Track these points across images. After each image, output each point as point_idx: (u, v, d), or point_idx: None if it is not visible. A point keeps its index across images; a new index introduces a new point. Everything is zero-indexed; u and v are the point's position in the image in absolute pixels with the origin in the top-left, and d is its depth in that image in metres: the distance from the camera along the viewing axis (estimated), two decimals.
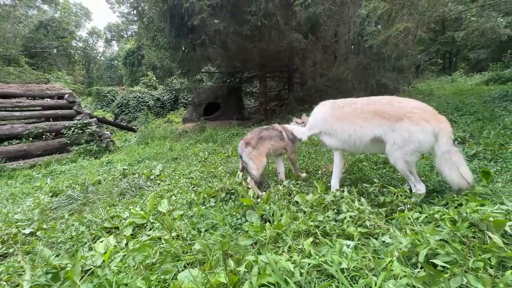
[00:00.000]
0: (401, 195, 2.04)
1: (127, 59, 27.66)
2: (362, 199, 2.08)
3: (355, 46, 10.29)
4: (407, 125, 2.11)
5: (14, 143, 7.46)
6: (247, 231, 2.06)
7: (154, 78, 21.99)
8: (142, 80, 22.76)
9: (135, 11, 10.01)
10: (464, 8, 6.17)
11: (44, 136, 7.98)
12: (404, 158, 2.16)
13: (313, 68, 11.43)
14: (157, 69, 12.22)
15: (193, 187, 3.55)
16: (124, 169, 4.76)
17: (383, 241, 1.62)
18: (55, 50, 32.17)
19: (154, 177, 4.28)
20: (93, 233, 2.32)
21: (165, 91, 20.26)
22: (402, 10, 5.26)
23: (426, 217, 1.66)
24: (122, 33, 42.82)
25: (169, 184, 3.80)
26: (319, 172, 3.60)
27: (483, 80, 12.04)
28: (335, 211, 2.02)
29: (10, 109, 8.02)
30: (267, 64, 12.05)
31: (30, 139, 7.70)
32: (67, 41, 33.40)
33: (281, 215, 2.08)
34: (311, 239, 1.70)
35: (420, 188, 2.22)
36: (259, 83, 13.23)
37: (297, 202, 2.43)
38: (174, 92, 19.61)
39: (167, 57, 11.06)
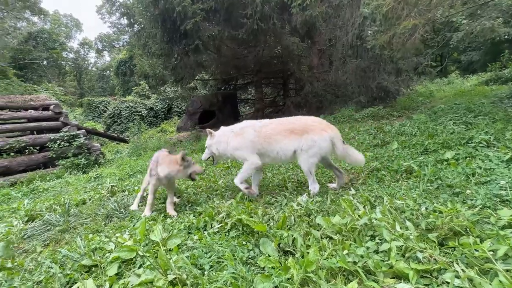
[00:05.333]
0: (456, 217, 1.61)
1: (119, 69, 27.20)
2: (408, 222, 1.66)
3: (353, 49, 10.04)
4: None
5: None
6: (263, 267, 1.63)
7: (147, 88, 21.48)
8: (134, 89, 22.28)
9: (125, 18, 9.62)
10: (469, 6, 5.94)
11: (27, 151, 7.40)
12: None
13: (309, 72, 11.13)
14: (150, 78, 11.81)
15: (191, 205, 3.10)
16: (113, 185, 4.26)
17: (454, 286, 1.20)
18: (45, 62, 31.52)
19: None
20: (68, 274, 1.85)
21: (158, 100, 19.80)
22: (408, 7, 4.97)
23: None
24: (114, 43, 42.41)
25: (162, 203, 3.34)
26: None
27: (482, 81, 11.92)
28: (376, 240, 1.59)
29: None
30: (262, 69, 11.74)
31: (12, 154, 7.12)
32: (57, 53, 32.80)
33: (307, 246, 1.65)
34: (355, 284, 1.27)
35: (315, 187, 2.79)
36: (255, 89, 12.92)
37: (318, 224, 2.00)
38: (167, 101, 19.13)
39: (159, 64, 10.67)
